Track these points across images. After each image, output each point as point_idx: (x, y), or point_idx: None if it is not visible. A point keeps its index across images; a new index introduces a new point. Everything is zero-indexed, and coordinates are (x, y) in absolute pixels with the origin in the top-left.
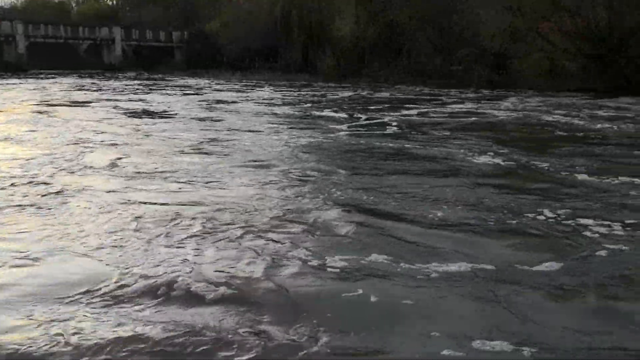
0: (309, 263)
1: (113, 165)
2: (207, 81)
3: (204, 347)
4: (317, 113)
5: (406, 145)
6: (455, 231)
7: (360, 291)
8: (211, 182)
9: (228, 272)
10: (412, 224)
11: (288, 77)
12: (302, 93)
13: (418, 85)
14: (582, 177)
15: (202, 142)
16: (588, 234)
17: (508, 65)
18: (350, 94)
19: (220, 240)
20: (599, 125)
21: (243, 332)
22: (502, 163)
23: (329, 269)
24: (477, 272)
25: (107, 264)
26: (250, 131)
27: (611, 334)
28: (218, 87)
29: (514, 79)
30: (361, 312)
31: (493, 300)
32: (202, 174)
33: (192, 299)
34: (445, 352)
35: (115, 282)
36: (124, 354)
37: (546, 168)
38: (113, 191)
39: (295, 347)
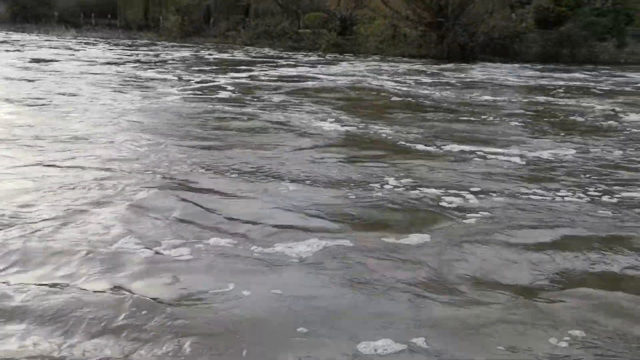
0: (144, 253)
1: None
2: (35, 37)
3: None
4: (148, 74)
5: (243, 111)
6: (306, 205)
7: (231, 286)
8: (11, 156)
9: (36, 271)
10: (256, 199)
11: (129, 35)
12: (138, 52)
13: (266, 47)
14: (418, 144)
15: (5, 108)
16: (444, 204)
17: (354, 30)
18: (189, 54)
19: (20, 230)
20: (427, 91)
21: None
22: (344, 129)
23: (172, 258)
24: (340, 251)
25: None
26: (68, 94)
27: (492, 306)
28: (45, 44)
29: (359, 44)
30: (231, 314)
31: (366, 285)
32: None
33: None
34: None
35: None
36: None
37: (385, 135)
38: None
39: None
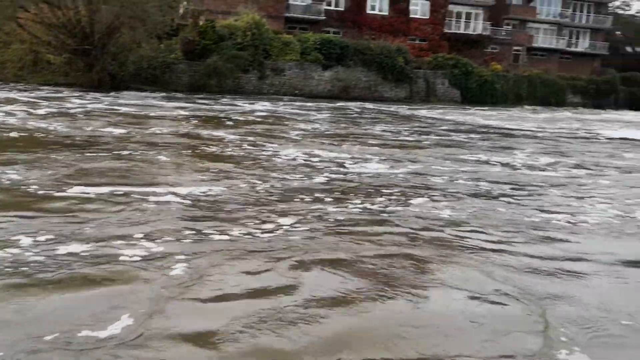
0: None
1: None
2: None
3: None
4: None
5: None
6: None
7: None
8: None
9: None
10: None
11: None
12: None
13: None
14: (51, 189)
15: None
16: (125, 258)
17: None
18: None
19: None
20: (54, 125)
21: None
22: None
23: None
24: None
25: None
26: None
27: None
28: None
29: None
30: None
31: None
32: None
33: None
34: None
35: None
36: None
37: (5, 180)
38: None
39: None
